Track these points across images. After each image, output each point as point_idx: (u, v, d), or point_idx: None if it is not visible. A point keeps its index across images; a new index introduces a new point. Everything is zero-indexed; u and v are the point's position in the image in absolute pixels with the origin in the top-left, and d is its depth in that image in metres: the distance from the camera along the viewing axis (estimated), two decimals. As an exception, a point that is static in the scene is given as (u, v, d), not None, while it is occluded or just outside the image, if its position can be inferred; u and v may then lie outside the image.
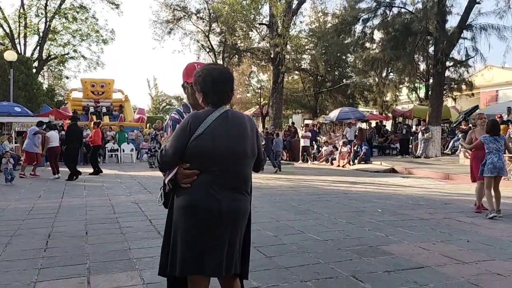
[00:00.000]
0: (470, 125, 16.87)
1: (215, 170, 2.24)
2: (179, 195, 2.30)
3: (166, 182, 2.41)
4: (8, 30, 29.56)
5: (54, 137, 12.99)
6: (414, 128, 20.97)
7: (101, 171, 13.72)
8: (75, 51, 33.07)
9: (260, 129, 29.49)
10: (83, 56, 33.61)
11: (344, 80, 30.10)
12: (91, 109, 26.05)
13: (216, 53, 26.89)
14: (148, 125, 25.25)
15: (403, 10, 18.82)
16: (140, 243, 4.97)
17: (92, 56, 34.10)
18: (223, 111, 2.32)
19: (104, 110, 26.48)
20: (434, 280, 3.71)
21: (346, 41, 22.30)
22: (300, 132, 20.20)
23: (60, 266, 4.16)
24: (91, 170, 13.79)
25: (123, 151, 19.51)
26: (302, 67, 30.60)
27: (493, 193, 6.55)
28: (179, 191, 2.31)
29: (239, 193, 2.31)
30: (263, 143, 13.67)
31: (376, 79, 25.60)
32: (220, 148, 2.24)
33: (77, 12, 31.38)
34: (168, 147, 2.30)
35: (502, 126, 13.63)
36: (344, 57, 29.66)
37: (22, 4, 29.91)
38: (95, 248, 4.82)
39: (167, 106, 56.72)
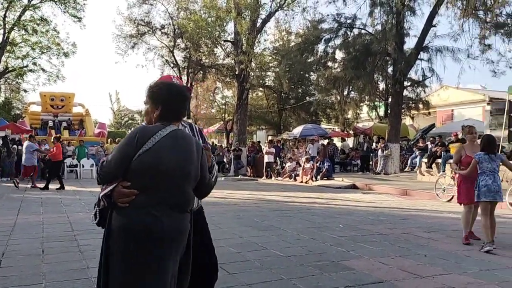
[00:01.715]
0: (427, 142, 17.52)
1: (158, 188, 2.17)
2: (117, 215, 2.19)
3: (100, 197, 2.27)
4: (-37, 42, 28.40)
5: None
6: (374, 145, 21.53)
7: (63, 187, 13.35)
8: (34, 63, 32.03)
9: (224, 144, 29.50)
10: (42, 69, 32.58)
11: (307, 98, 30.68)
12: (50, 123, 25.29)
13: (180, 69, 26.81)
14: (109, 140, 24.74)
15: (363, 31, 19.45)
16: (98, 262, 4.83)
17: (52, 69, 33.05)
18: (173, 129, 2.27)
19: (63, 124, 25.77)
20: (392, 294, 3.81)
21: (309, 60, 22.77)
22: (264, 148, 20.34)
23: (15, 286, 4.00)
24: (56, 187, 13.43)
25: (83, 166, 18.98)
26: (267, 84, 30.99)
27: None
28: (117, 210, 2.19)
29: (182, 213, 2.26)
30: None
31: (338, 97, 26.31)
32: (166, 166, 2.17)
33: (38, 25, 30.50)
34: (110, 158, 2.21)
35: (457, 144, 14.24)
36: (307, 75, 30.30)
37: (-21, 15, 28.90)
38: (52, 267, 4.65)
39: (130, 121, 55.82)
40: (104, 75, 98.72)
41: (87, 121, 26.13)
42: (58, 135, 15.82)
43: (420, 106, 25.00)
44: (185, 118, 2.71)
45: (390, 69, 20.41)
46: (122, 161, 2.18)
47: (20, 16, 29.32)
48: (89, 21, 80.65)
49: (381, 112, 27.74)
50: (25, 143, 14.60)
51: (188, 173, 2.25)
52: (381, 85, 24.84)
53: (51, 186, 13.43)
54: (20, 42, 31.10)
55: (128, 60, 69.57)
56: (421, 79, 20.19)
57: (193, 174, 2.28)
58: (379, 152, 18.37)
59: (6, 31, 28.85)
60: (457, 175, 11.22)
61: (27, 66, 31.88)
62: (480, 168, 5.71)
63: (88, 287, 3.97)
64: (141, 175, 2.16)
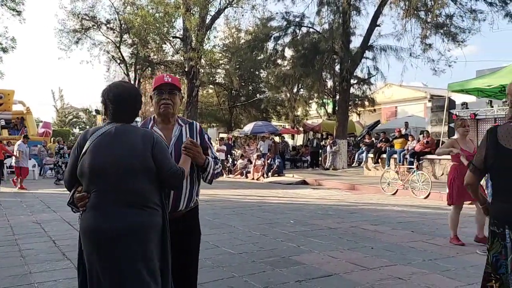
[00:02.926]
0: (373, 138, 18.12)
1: (102, 187, 2.19)
2: (80, 219, 2.28)
3: (67, 205, 2.35)
4: None
5: None
6: (323, 142, 21.99)
7: None
8: (-31, 58, 30.15)
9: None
10: (-22, 64, 30.76)
11: (257, 95, 30.85)
12: (-12, 122, 23.87)
13: (128, 65, 26.13)
14: (52, 139, 23.71)
15: (311, 29, 19.82)
16: (42, 266, 4.63)
17: (-11, 64, 31.32)
18: (109, 127, 2.28)
19: (2, 122, 24.39)
20: (341, 287, 3.91)
21: (259, 57, 22.91)
22: (215, 146, 20.26)
23: None
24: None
25: (24, 167, 18.04)
26: (217, 81, 30.87)
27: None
28: (80, 214, 2.27)
29: (137, 208, 2.20)
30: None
31: (288, 95, 26.65)
32: (101, 164, 2.18)
33: (-28, 17, 28.75)
34: (67, 167, 2.30)
35: (400, 139, 14.84)
36: (257, 72, 30.47)
37: None
38: (-10, 274, 4.40)
39: (74, 119, 53.78)
40: (46, 72, 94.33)
41: (28, 120, 24.89)
42: None
43: (366, 103, 25.75)
44: (189, 118, 2.63)
45: (337, 67, 20.91)
46: (72, 168, 2.28)
47: (-49, 8, 27.44)
48: (29, 15, 76.74)
49: (329, 109, 28.32)
50: None
51: (131, 167, 2.19)
52: (329, 83, 25.39)
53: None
54: (-48, 36, 29.10)
55: (72, 56, 66.74)
56: (366, 77, 20.89)
57: (139, 167, 2.21)
58: (328, 148, 18.79)
59: None
60: (401, 169, 11.81)
61: (-40, 61, 29.86)
62: None
63: (31, 294, 3.78)
64: (85, 177, 2.21)
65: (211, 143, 2.76)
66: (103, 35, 25.98)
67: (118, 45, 25.53)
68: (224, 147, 19.57)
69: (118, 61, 26.58)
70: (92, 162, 2.19)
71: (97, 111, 42.98)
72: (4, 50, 30.64)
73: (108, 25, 25.65)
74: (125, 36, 25.51)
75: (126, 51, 26.57)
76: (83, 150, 2.23)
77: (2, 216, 8.21)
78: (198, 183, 2.70)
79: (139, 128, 2.38)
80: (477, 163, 2.55)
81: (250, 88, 31.89)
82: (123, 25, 24.74)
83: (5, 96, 24.78)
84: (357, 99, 24.61)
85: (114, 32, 25.87)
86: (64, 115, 53.51)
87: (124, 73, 26.72)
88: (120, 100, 2.30)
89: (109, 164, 2.18)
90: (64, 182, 2.38)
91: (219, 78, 31.25)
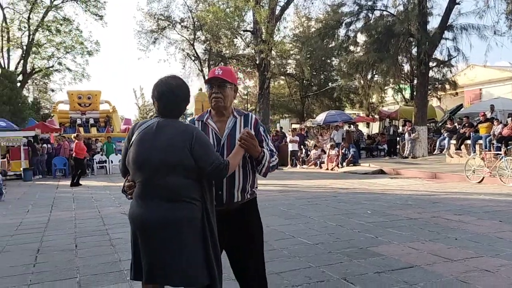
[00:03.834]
0: (456, 124, 17.11)
1: (142, 180, 2.32)
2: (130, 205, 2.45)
3: (121, 191, 2.55)
4: (-10, 45, 29.23)
5: None
6: (400, 129, 21.17)
7: (79, 185, 13.66)
8: (59, 63, 32.74)
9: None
10: (68, 69, 33.28)
11: (329, 84, 30.35)
12: (78, 121, 25.89)
13: (201, 61, 26.93)
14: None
15: (385, 13, 19.04)
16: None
17: (77, 68, 33.75)
18: (153, 122, 2.37)
19: (91, 121, 26.34)
20: (424, 279, 3.76)
21: (330, 45, 22.50)
22: (288, 137, 20.28)
23: (50, 281, 4.13)
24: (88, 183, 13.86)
25: (112, 162, 19.36)
26: (288, 72, 30.78)
27: None
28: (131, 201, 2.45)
29: (172, 202, 2.26)
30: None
31: (362, 82, 25.88)
32: (140, 158, 2.29)
33: (61, 25, 31.12)
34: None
35: (485, 124, 13.88)
36: (329, 61, 29.95)
37: (4, 18, 29.61)
38: (85, 261, 4.79)
39: (155, 115, 56.49)
40: (127, 72, 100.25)
41: (114, 118, 26.65)
42: (76, 133, 16.01)
43: (447, 86, 24.40)
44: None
45: (414, 50, 19.99)
46: (123, 158, 2.46)
47: (43, 17, 29.95)
48: (110, 19, 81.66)
49: (407, 94, 27.22)
50: None
51: (165, 163, 2.26)
52: (406, 67, 24.35)
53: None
54: (45, 43, 31.81)
55: (150, 56, 70.41)
56: (446, 59, 19.68)
57: (174, 162, 2.25)
58: (406, 135, 18.09)
59: (31, 33, 29.55)
60: (487, 155, 11.06)
61: (52, 66, 32.62)
62: None
63: (121, 280, 4.06)
64: (130, 168, 2.37)
65: (267, 136, 2.72)
66: (178, 33, 27.00)
67: (192, 42, 26.37)
68: (297, 138, 19.50)
69: (193, 58, 27.46)
70: (134, 155, 2.32)
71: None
72: (90, 54, 32.93)
73: (182, 24, 26.58)
74: (198, 33, 26.28)
75: (199, 48, 27.40)
76: (131, 143, 2.36)
77: (94, 208, 8.89)
78: (254, 175, 2.67)
79: (181, 124, 2.40)
80: None
81: (322, 77, 31.44)
82: (196, 23, 25.49)
83: (93, 97, 26.75)
84: (437, 83, 23.36)
85: (188, 30, 26.75)
86: (145, 112, 56.46)
87: (198, 69, 27.58)
88: (161, 96, 2.36)
89: (147, 158, 2.28)
90: (120, 171, 2.57)
91: (290, 68, 31.14)
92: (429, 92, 21.62)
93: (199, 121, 2.68)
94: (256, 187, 2.74)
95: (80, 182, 13.82)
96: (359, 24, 19.53)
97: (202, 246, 2.32)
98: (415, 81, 20.65)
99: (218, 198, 2.53)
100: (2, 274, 4.41)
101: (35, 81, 35.39)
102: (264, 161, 2.57)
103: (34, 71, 32.06)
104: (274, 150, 2.72)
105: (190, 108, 28.54)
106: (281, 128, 28.46)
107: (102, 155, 19.43)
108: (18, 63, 30.66)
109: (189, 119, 2.97)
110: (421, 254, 4.54)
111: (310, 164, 18.23)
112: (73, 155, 14.58)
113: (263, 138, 2.66)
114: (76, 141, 14.43)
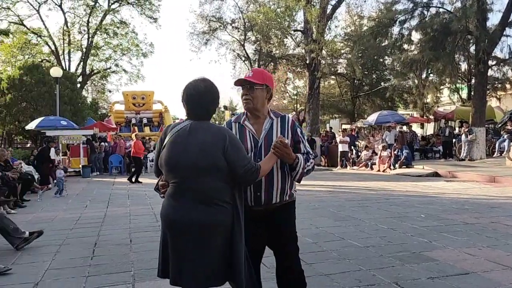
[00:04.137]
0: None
1: (174, 181, 2.36)
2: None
3: (154, 189, 2.64)
4: (53, 48, 30.97)
5: None
6: (457, 130, 20.32)
7: (140, 182, 14.11)
8: (116, 65, 34.23)
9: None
10: (124, 70, 34.72)
11: (382, 83, 29.60)
12: (133, 121, 26.85)
13: (251, 62, 27.11)
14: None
15: (441, 10, 18.35)
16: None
17: (132, 69, 35.15)
18: (185, 124, 2.38)
19: (145, 121, 27.23)
20: (480, 286, 3.60)
21: (383, 44, 21.92)
22: (338, 137, 20.01)
23: (107, 274, 4.32)
24: (141, 180, 14.38)
25: (164, 160, 19.92)
26: (338, 71, 30.34)
27: None
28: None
29: (205, 205, 2.28)
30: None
31: (416, 81, 25.05)
32: (172, 160, 2.32)
33: (118, 28, 32.49)
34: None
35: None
36: (381, 60, 29.21)
37: (66, 22, 31.28)
38: (139, 255, 4.97)
39: (186, 118, 57.62)
40: (180, 72, 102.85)
41: (166, 117, 27.38)
42: (135, 133, 16.61)
43: (507, 86, 23.14)
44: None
45: (472, 48, 19.15)
46: (156, 158, 2.52)
47: (101, 21, 31.37)
48: (163, 21, 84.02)
49: (464, 94, 26.08)
50: None
51: (196, 166, 2.27)
52: (463, 66, 23.36)
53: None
54: (103, 46, 33.31)
55: (202, 57, 72.02)
56: (507, 57, 18.67)
57: (205, 165, 2.26)
58: (463, 137, 17.35)
59: (90, 36, 31.02)
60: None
61: (110, 68, 34.09)
62: None
63: (173, 275, 4.17)
64: (163, 169, 2.41)
65: (303, 137, 2.71)
66: (229, 34, 27.32)
67: (242, 43, 26.60)
68: (347, 139, 19.20)
69: (243, 58, 27.70)
70: (166, 157, 2.36)
71: (225, 107, 45.47)
72: (144, 55, 34.11)
73: (233, 25, 26.88)
74: (249, 34, 26.48)
75: (250, 48, 27.59)
76: (164, 144, 2.40)
77: (147, 205, 9.19)
78: (291, 175, 2.66)
79: (214, 126, 2.41)
80: None
81: (374, 76, 30.73)
82: (246, 23, 25.70)
83: (147, 97, 27.62)
84: (496, 82, 22.22)
85: (238, 31, 27.01)
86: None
87: (248, 69, 27.77)
88: (188, 99, 2.40)
89: (178, 161, 2.31)
90: (153, 171, 2.64)
91: (340, 68, 30.67)
92: (488, 92, 20.62)
93: (236, 123, 2.69)
94: (295, 190, 2.74)
95: (139, 179, 14.31)
96: (414, 22, 18.92)
97: (230, 249, 2.34)
98: (473, 81, 19.77)
99: (256, 199, 2.55)
100: (63, 266, 4.67)
101: (94, 82, 37.13)
102: (298, 168, 2.56)
103: (92, 73, 33.67)
104: (311, 152, 2.72)
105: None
106: (330, 128, 28.07)
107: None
108: (78, 65, 32.32)
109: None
110: (477, 260, 4.35)
111: (360, 165, 17.90)
112: (132, 153, 15.15)
113: (300, 139, 2.67)
114: (135, 140, 14.98)
